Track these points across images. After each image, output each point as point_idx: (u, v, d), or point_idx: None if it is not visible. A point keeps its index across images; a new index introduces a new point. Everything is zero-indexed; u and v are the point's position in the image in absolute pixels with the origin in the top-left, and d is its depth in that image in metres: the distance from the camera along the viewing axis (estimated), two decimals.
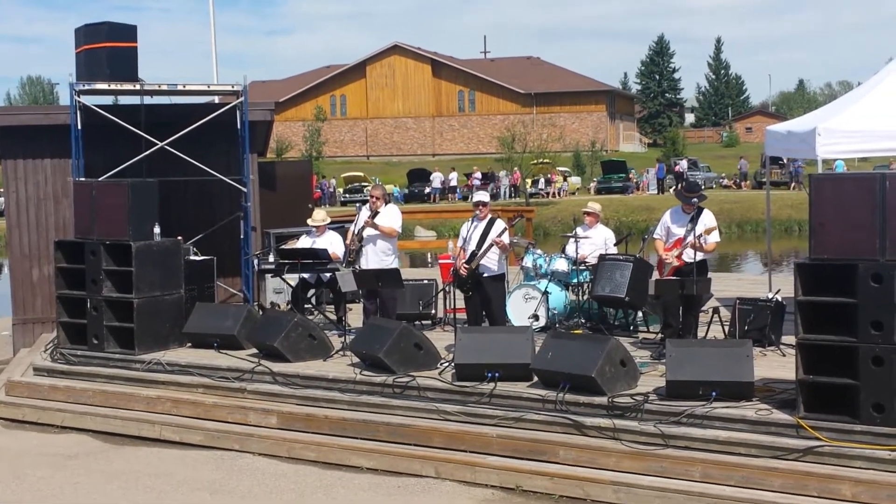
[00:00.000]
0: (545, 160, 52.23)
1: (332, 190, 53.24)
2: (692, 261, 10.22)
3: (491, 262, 10.90)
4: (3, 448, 10.11)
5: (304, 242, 13.01)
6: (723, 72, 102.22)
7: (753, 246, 36.09)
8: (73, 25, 13.50)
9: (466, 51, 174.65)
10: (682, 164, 53.34)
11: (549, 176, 52.06)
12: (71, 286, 11.72)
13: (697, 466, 7.85)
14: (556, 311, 11.92)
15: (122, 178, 12.38)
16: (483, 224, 10.98)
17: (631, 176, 52.95)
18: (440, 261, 14.66)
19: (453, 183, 53.86)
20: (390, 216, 11.75)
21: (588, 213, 12.59)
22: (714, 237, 10.44)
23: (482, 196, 11.46)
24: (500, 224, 10.99)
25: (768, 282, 13.50)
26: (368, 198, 11.92)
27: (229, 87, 13.99)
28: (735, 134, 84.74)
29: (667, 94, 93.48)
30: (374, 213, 11.62)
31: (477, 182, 51.06)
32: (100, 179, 12.35)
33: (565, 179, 53.24)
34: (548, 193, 50.89)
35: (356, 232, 11.68)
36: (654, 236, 10.95)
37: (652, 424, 8.23)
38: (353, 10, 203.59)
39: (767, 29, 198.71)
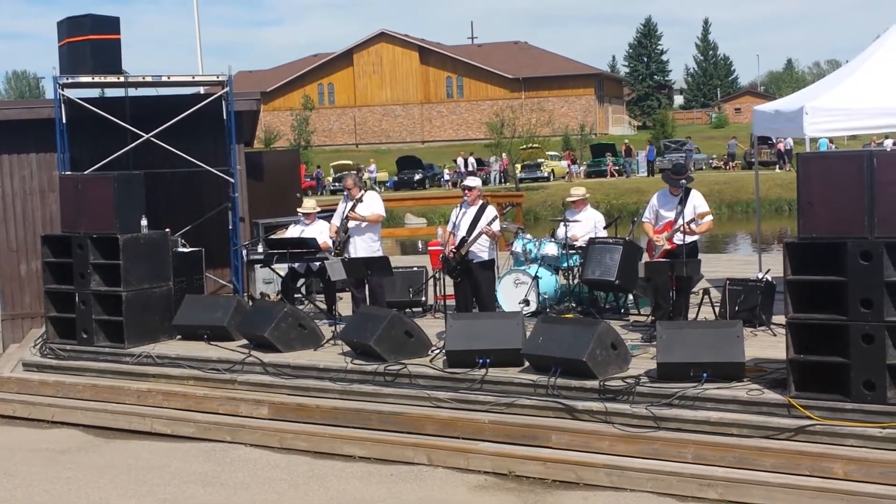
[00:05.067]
0: (534, 145, 52.21)
1: (324, 182, 52.91)
2: (683, 243, 10.19)
3: (481, 248, 10.84)
4: None
5: (292, 232, 12.96)
6: (711, 53, 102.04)
7: (743, 226, 36.13)
8: (60, 19, 13.41)
9: (454, 37, 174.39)
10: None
11: (562, 161, 52.27)
12: (59, 280, 11.66)
13: (690, 448, 7.85)
14: (546, 296, 11.89)
15: (107, 171, 12.31)
16: (473, 210, 10.90)
17: (610, 166, 52.45)
18: (430, 248, 14.61)
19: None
20: (371, 203, 11.73)
21: (574, 202, 12.52)
22: (707, 219, 10.42)
23: (471, 181, 11.39)
24: (491, 210, 10.92)
25: (758, 262, 13.51)
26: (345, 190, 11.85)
27: (214, 78, 13.90)
28: (724, 115, 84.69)
29: (655, 77, 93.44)
30: (355, 203, 11.59)
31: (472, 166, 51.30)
32: (85, 173, 12.28)
33: (576, 162, 53.68)
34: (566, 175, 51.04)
35: (340, 223, 11.65)
36: (643, 220, 10.90)
37: (644, 407, 8.23)
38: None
39: (755, 9, 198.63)
